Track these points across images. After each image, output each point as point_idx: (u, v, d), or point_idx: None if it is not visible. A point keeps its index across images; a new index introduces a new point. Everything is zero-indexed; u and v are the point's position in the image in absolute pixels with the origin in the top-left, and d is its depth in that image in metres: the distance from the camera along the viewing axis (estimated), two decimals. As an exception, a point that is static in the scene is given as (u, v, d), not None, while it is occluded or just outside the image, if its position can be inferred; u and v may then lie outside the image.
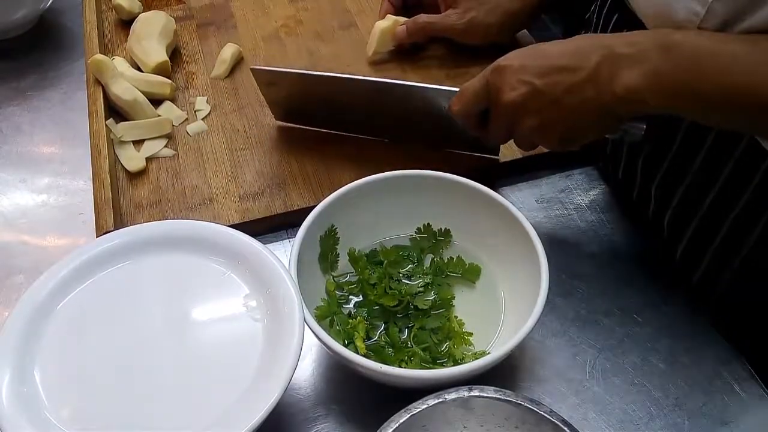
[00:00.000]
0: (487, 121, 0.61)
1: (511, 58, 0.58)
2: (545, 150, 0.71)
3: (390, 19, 0.81)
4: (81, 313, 0.52)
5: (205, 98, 0.79)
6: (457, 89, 0.63)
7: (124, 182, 0.70)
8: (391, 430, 0.44)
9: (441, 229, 0.62)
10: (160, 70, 0.79)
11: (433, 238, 0.63)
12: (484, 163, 0.71)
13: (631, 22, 0.60)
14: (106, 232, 0.59)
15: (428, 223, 0.62)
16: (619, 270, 0.63)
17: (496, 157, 0.71)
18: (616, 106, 0.53)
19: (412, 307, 0.57)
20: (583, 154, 0.72)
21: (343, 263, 0.61)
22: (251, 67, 0.70)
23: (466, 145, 0.71)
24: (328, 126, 0.74)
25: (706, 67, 0.49)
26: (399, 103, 0.68)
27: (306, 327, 0.50)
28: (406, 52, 0.83)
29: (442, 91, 0.65)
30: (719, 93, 0.49)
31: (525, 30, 0.84)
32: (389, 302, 0.57)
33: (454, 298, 0.59)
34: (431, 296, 0.58)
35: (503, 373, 0.56)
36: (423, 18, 0.80)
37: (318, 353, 0.58)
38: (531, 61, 0.56)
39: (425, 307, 0.57)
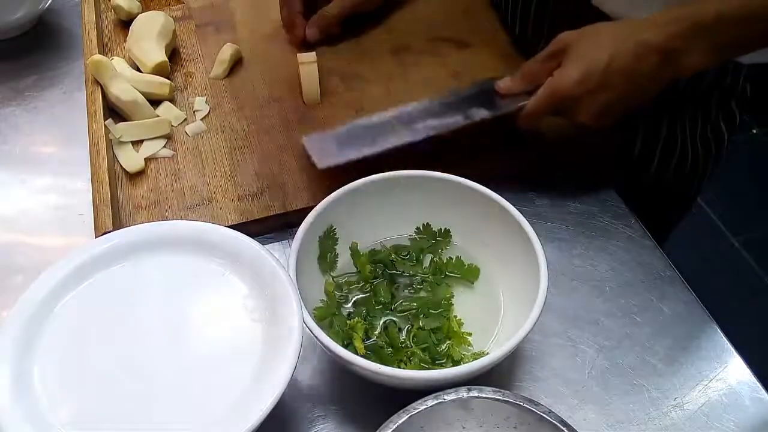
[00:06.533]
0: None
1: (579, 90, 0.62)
2: (541, 152, 0.72)
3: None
4: (80, 314, 0.52)
5: (204, 98, 0.79)
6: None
7: (123, 182, 0.70)
8: (390, 430, 0.44)
9: (440, 229, 0.62)
10: (159, 70, 0.79)
11: (433, 238, 0.63)
12: (484, 164, 0.71)
13: None
14: (105, 233, 0.59)
15: (428, 223, 0.62)
16: (619, 270, 0.63)
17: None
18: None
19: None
20: (582, 155, 0.72)
21: (342, 263, 0.61)
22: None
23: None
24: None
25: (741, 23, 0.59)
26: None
27: (305, 328, 0.50)
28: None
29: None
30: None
31: None
32: (388, 298, 0.57)
33: (453, 298, 0.59)
34: (430, 296, 0.58)
35: (502, 374, 0.56)
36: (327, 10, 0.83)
37: (317, 354, 0.58)
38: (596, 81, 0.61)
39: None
